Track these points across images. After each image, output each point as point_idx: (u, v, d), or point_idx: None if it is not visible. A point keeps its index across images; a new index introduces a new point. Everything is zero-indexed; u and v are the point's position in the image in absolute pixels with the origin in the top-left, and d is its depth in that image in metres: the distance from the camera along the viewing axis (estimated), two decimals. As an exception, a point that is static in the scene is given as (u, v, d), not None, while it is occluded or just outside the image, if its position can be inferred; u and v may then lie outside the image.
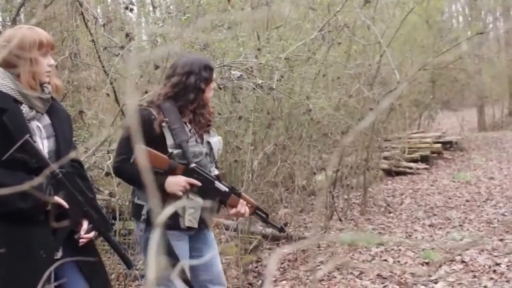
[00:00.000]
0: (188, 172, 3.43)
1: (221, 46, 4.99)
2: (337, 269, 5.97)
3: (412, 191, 10.72)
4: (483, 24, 21.38)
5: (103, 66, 5.66)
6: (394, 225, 7.97)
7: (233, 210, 3.62)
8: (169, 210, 0.89)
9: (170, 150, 3.43)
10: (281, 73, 5.78)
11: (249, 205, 3.66)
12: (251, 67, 4.82)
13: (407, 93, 13.07)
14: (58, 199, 2.87)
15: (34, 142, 2.79)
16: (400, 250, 6.64)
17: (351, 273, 5.88)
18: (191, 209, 3.48)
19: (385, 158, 12.72)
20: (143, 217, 3.48)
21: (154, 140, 3.37)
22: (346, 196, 8.78)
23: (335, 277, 5.75)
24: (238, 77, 4.48)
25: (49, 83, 2.97)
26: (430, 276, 5.71)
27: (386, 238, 7.11)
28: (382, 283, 5.52)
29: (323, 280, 5.73)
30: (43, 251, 2.82)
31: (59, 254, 2.95)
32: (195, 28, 5.25)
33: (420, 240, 7.13)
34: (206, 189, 3.48)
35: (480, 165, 13.50)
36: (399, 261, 6.22)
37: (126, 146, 3.43)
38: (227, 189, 3.57)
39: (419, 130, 16.16)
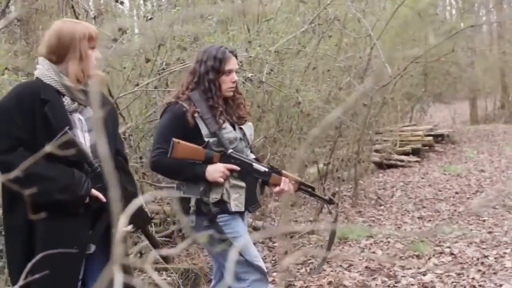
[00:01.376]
0: (224, 158, 3.51)
1: (210, 40, 5.00)
2: (327, 262, 6.01)
3: (403, 184, 10.76)
4: (476, 17, 21.41)
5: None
6: (384, 217, 8.01)
7: (277, 189, 3.65)
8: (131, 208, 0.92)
9: (206, 139, 3.51)
10: (271, 66, 5.80)
11: (292, 181, 3.70)
12: (241, 61, 4.84)
13: (399, 86, 13.09)
14: (95, 192, 2.86)
15: (74, 135, 2.80)
16: (389, 242, 6.68)
17: (340, 265, 5.92)
18: (236, 194, 3.55)
19: (377, 151, 12.76)
20: (192, 208, 3.51)
21: (190, 131, 3.48)
22: (337, 189, 8.81)
23: (325, 270, 5.79)
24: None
25: (93, 75, 2.97)
26: (419, 268, 5.75)
27: (376, 230, 7.15)
28: (371, 275, 5.57)
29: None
30: (77, 245, 2.81)
31: (92, 248, 2.94)
32: (184, 20, 5.27)
33: (410, 231, 7.17)
34: (245, 172, 3.56)
35: (471, 157, 13.56)
36: (388, 254, 6.26)
37: (162, 140, 3.49)
38: (266, 169, 3.63)
39: (411, 123, 16.19)
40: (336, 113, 1.23)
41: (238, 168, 3.53)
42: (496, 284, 5.22)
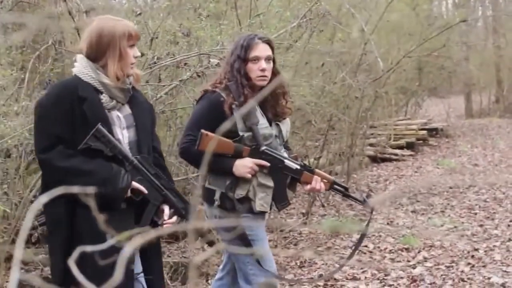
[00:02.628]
0: (254, 153, 3.39)
1: (200, 34, 5.02)
2: (318, 254, 6.06)
3: (396, 178, 10.81)
4: (472, 11, 21.44)
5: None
6: (376, 211, 8.05)
7: (308, 187, 3.57)
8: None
9: (240, 133, 3.40)
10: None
11: (324, 180, 3.60)
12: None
13: (394, 80, 13.13)
14: (136, 184, 2.87)
15: (110, 130, 2.82)
16: (380, 236, 6.72)
17: (331, 259, 5.96)
18: (262, 193, 3.44)
19: (371, 144, 12.79)
20: (216, 202, 3.43)
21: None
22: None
23: (316, 263, 5.83)
24: (216, 65, 4.52)
25: (130, 73, 3.00)
26: (409, 261, 5.80)
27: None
28: (361, 268, 5.61)
29: (303, 266, 5.81)
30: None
31: None
32: (176, 14, 5.29)
33: (402, 226, 7.22)
34: (275, 168, 3.44)
35: (465, 151, 13.62)
36: (379, 247, 6.31)
37: (195, 128, 3.37)
38: (298, 167, 3.52)
39: (406, 117, 16.23)
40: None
41: (268, 164, 3.42)
42: (484, 276, 5.27)
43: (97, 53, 2.89)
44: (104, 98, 2.88)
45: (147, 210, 2.93)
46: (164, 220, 2.97)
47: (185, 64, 4.76)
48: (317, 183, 3.54)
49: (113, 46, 2.87)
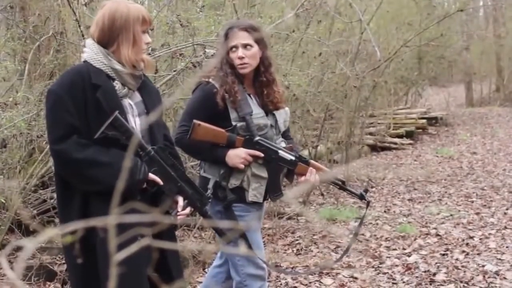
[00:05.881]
0: (248, 143, 3.37)
1: (195, 24, 5.06)
2: (314, 243, 6.12)
3: (395, 166, 10.87)
4: (473, 0, 21.41)
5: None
6: (375, 199, 8.11)
7: (302, 179, 3.51)
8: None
9: (233, 123, 3.38)
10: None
11: (320, 172, 3.53)
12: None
13: (393, 70, 13.18)
14: (152, 176, 2.77)
15: (124, 119, 2.70)
16: (377, 224, 6.79)
17: (327, 246, 6.03)
18: (256, 183, 3.42)
19: (371, 133, 12.86)
20: (209, 191, 3.39)
21: (219, 113, 3.35)
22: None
23: (312, 251, 5.90)
24: (212, 55, 4.56)
25: (142, 60, 2.87)
26: (405, 249, 5.87)
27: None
28: (357, 257, 5.67)
29: (300, 253, 5.88)
30: (139, 234, 2.63)
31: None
32: (173, 4, 5.33)
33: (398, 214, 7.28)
34: (269, 159, 3.41)
35: (464, 140, 13.68)
36: (375, 235, 6.37)
37: (188, 118, 3.35)
38: (293, 158, 3.47)
39: (406, 106, 16.29)
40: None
41: (262, 155, 3.38)
42: (478, 264, 5.33)
43: (110, 37, 2.75)
44: (117, 85, 2.76)
45: (161, 202, 2.83)
46: (178, 211, 2.88)
47: (181, 54, 4.79)
48: (312, 175, 3.50)
49: (127, 31, 2.74)
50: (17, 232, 5.06)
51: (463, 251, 5.73)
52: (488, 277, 5.01)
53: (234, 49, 3.42)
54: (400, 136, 13.37)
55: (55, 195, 5.14)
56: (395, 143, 12.94)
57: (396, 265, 5.41)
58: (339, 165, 9.93)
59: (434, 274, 5.12)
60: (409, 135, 13.59)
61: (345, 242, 6.09)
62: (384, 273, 5.24)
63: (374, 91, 10.88)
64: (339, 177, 3.83)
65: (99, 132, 2.61)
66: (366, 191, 3.82)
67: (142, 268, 2.68)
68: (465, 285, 4.87)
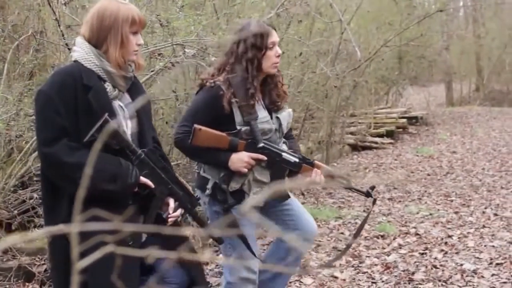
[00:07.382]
0: (250, 146, 3.31)
1: (175, 24, 5.05)
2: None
3: (376, 165, 10.91)
4: (453, 1, 21.58)
5: (66, 44, 5.70)
6: (354, 199, 8.14)
7: (307, 180, 3.46)
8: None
9: (238, 127, 3.32)
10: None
11: (325, 172, 3.50)
12: (205, 46, 4.86)
13: (374, 70, 13.24)
14: (144, 179, 2.74)
15: (117, 123, 2.66)
16: (356, 223, 6.81)
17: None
18: (257, 188, 3.37)
19: (351, 133, 12.91)
20: (207, 191, 3.37)
21: (223, 117, 3.28)
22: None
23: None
24: (192, 55, 4.55)
25: (133, 61, 2.82)
26: (384, 248, 5.90)
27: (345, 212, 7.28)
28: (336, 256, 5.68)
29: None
30: (130, 237, 2.61)
31: (144, 237, 2.84)
32: (153, 4, 5.32)
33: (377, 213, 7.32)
34: (273, 162, 3.36)
35: (444, 139, 13.78)
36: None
37: (191, 120, 3.29)
38: (297, 160, 3.43)
39: (386, 105, 16.37)
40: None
41: (265, 158, 3.33)
42: (457, 263, 5.37)
43: (98, 37, 2.69)
44: (108, 87, 2.70)
45: (152, 204, 2.81)
46: (169, 213, 2.85)
47: (159, 54, 4.78)
48: (317, 176, 3.45)
49: (115, 31, 2.68)
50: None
51: (442, 250, 5.76)
52: (466, 276, 5.05)
53: (272, 47, 3.31)
54: (380, 135, 13.43)
55: (35, 195, 5.16)
56: (376, 143, 12.99)
57: (376, 265, 5.44)
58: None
59: (413, 273, 5.15)
60: (389, 134, 13.65)
61: (325, 241, 6.12)
62: (364, 273, 5.26)
63: (354, 90, 10.94)
64: (344, 176, 3.87)
65: (89, 135, 2.55)
66: (372, 188, 3.82)
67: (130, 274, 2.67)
68: (443, 284, 4.91)
